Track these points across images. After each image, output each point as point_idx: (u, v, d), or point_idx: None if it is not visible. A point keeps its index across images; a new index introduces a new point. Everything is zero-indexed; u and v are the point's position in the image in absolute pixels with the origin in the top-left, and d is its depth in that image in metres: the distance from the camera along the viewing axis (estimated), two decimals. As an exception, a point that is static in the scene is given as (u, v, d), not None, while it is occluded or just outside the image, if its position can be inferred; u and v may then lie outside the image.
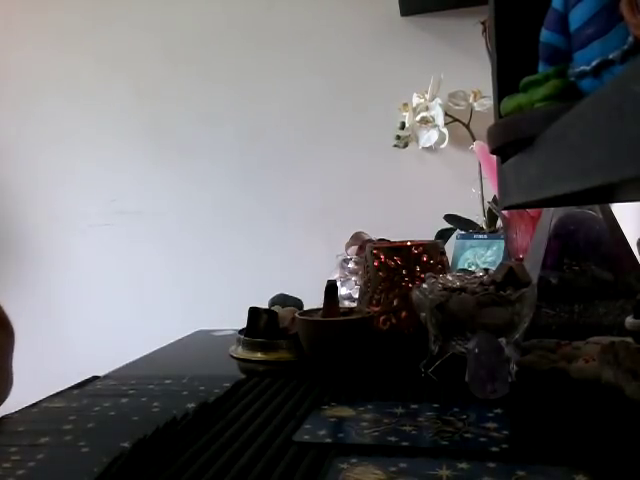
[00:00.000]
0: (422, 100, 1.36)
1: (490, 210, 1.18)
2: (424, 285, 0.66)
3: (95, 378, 0.70)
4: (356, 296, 0.96)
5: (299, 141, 1.55)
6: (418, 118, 1.36)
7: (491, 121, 0.41)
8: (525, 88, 0.35)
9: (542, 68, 0.35)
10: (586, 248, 0.74)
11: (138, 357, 0.83)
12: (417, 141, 1.39)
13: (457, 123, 1.37)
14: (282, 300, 0.91)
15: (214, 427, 0.52)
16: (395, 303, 0.78)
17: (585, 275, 0.73)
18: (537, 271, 0.73)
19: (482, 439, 0.46)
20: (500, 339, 0.60)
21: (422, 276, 0.75)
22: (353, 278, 1.06)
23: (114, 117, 1.66)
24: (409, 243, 0.81)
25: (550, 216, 0.75)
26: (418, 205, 1.44)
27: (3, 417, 0.56)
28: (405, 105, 1.38)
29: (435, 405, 0.55)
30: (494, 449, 0.44)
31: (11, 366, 0.58)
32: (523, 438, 0.47)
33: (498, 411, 0.52)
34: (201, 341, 0.96)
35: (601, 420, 0.50)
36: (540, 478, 0.39)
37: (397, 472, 0.41)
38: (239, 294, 1.29)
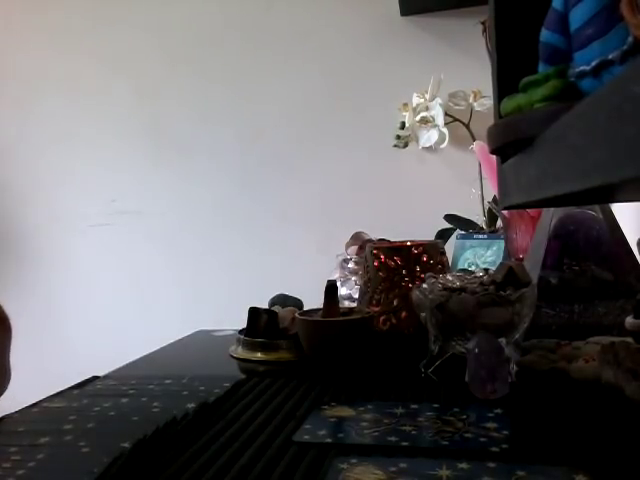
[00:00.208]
0: (422, 100, 1.36)
1: (490, 210, 1.18)
2: (424, 285, 0.66)
3: (95, 378, 0.70)
4: (356, 296, 0.96)
5: (299, 141, 1.55)
6: (418, 118, 1.36)
7: (491, 121, 0.41)
8: (525, 88, 0.35)
9: (542, 68, 0.35)
10: (586, 248, 0.74)
11: (138, 357, 0.83)
12: (417, 141, 1.39)
13: (457, 123, 1.37)
14: (282, 300, 0.91)
15: (214, 427, 0.52)
16: (395, 303, 0.78)
17: (585, 275, 0.73)
18: (537, 271, 0.73)
19: (482, 439, 0.46)
20: (500, 339, 0.60)
21: (422, 276, 0.75)
22: (353, 278, 1.06)
23: (114, 117, 1.66)
24: (409, 243, 0.81)
25: (550, 216, 0.75)
26: (418, 205, 1.44)
27: (3, 417, 0.56)
28: (405, 105, 1.38)
29: (435, 405, 0.55)
30: (494, 449, 0.44)
31: (8, 361, 0.57)
32: (523, 438, 0.47)
33: (498, 411, 0.53)
34: (201, 341, 0.96)
35: (601, 420, 0.50)
36: (540, 478, 0.39)
37: (397, 472, 0.41)
38: (239, 294, 1.29)
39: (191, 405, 0.57)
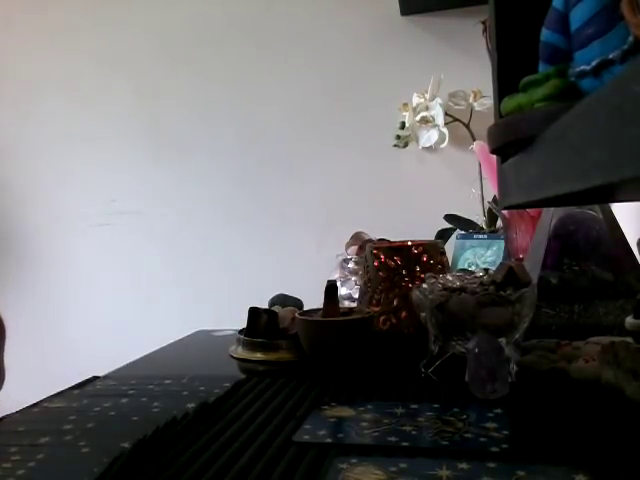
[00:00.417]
0: (422, 100, 1.36)
1: (490, 210, 1.18)
2: (424, 285, 0.66)
3: (95, 378, 0.70)
4: (356, 296, 0.96)
5: (299, 141, 1.55)
6: (418, 118, 1.36)
7: (491, 121, 0.41)
8: (525, 88, 0.35)
9: (542, 68, 0.35)
10: (586, 248, 0.74)
11: (138, 357, 0.83)
12: (417, 141, 1.39)
13: (457, 123, 1.37)
14: (282, 300, 0.91)
15: (214, 427, 0.52)
16: (395, 303, 0.78)
17: (585, 275, 0.73)
18: (537, 271, 0.73)
19: (482, 439, 0.46)
20: (500, 339, 0.59)
21: (422, 276, 0.75)
22: (353, 278, 1.06)
23: (114, 117, 1.66)
24: (409, 243, 0.81)
25: (550, 216, 0.75)
26: (418, 205, 1.44)
27: (3, 417, 0.56)
28: (405, 105, 1.38)
29: (435, 405, 0.55)
30: (494, 449, 0.44)
31: (2, 360, 0.57)
32: (523, 438, 0.47)
33: (498, 411, 0.52)
34: (201, 341, 0.96)
35: (601, 420, 0.50)
36: (540, 478, 0.39)
37: (397, 472, 0.41)
38: (239, 294, 1.29)
39: (191, 405, 0.57)
